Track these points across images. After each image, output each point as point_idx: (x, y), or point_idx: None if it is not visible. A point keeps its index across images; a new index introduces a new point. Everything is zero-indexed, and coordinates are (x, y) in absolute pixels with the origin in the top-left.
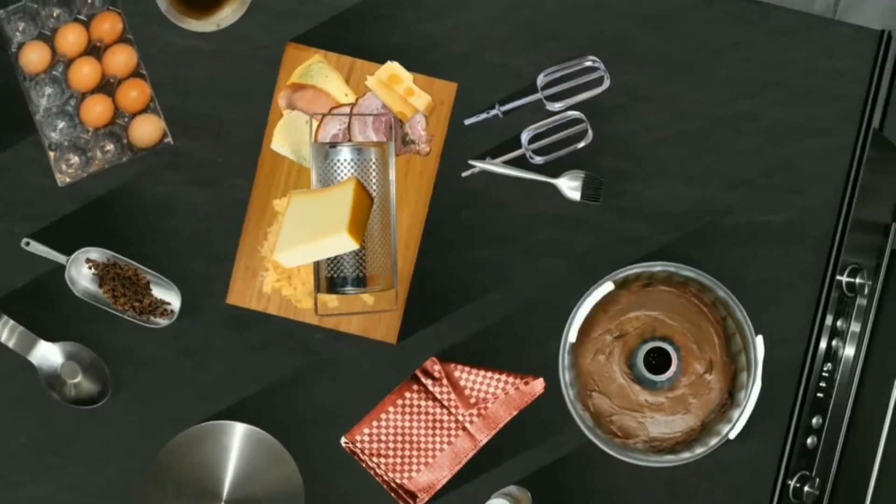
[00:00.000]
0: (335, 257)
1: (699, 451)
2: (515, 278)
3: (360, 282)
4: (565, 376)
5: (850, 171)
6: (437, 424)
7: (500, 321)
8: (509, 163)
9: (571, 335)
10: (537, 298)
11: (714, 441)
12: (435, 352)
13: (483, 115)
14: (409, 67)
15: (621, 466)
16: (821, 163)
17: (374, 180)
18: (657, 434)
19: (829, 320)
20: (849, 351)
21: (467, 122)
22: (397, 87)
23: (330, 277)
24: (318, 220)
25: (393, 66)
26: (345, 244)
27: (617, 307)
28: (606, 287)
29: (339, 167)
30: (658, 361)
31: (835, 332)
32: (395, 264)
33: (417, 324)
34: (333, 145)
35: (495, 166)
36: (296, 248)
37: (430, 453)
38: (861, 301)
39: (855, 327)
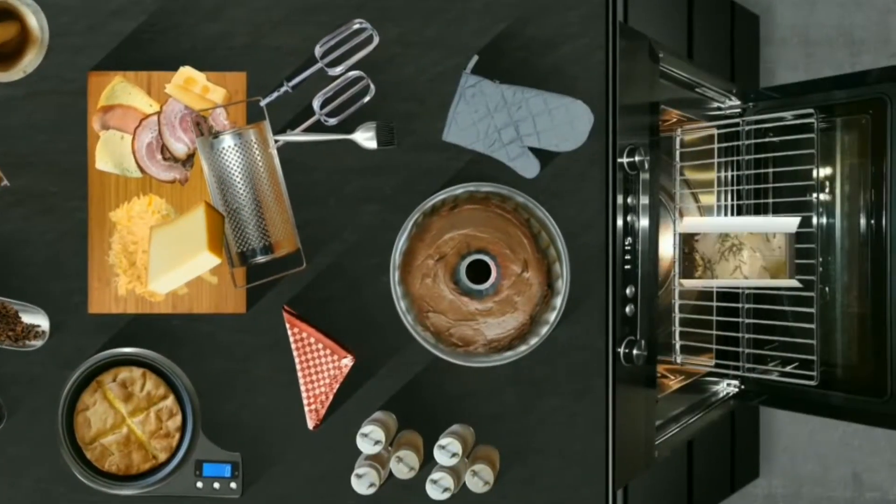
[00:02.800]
0: (241, 232)
1: (533, 341)
2: (339, 228)
3: (268, 249)
4: (401, 305)
5: (608, 64)
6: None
7: (334, 268)
8: (308, 130)
9: (397, 267)
10: (362, 242)
11: (545, 329)
12: (279, 310)
13: (275, 94)
14: (200, 68)
15: (470, 371)
16: (582, 62)
17: (258, 156)
18: (493, 336)
19: (620, 199)
20: (643, 223)
21: (263, 102)
22: (194, 87)
23: (240, 252)
24: (180, 246)
25: (186, 71)
26: (208, 262)
27: (432, 233)
28: (417, 217)
29: (226, 154)
30: (479, 272)
31: (628, 209)
32: (295, 227)
33: (260, 290)
34: (216, 135)
35: (296, 136)
36: (166, 275)
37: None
38: (644, 176)
39: (644, 200)
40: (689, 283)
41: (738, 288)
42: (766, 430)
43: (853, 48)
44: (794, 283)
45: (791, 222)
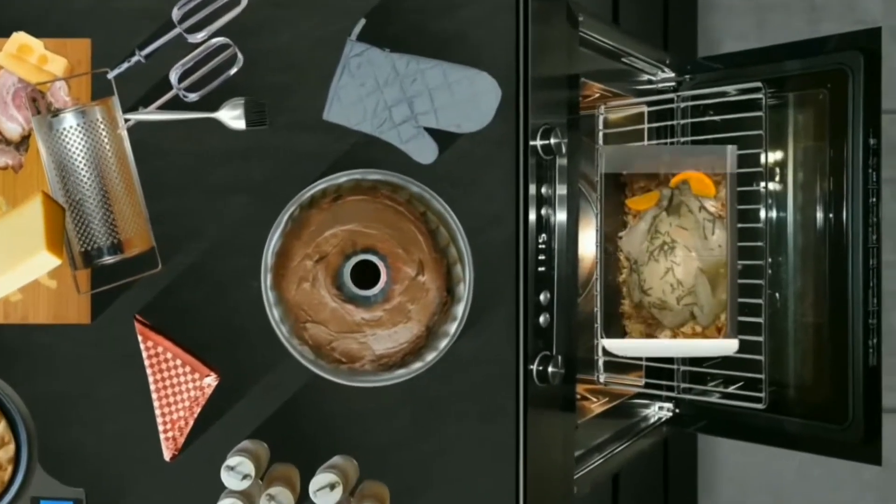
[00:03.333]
0: (85, 228)
1: (430, 357)
2: (201, 223)
3: (117, 248)
4: (273, 314)
5: (519, 29)
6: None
7: (194, 270)
8: (165, 107)
9: (269, 269)
10: (228, 239)
11: (444, 343)
12: (130, 320)
13: (126, 65)
14: (36, 34)
15: (355, 393)
16: (487, 27)
17: (105, 138)
18: (383, 350)
19: (532, 189)
20: (561, 216)
21: (110, 75)
22: (29, 57)
23: (84, 251)
24: (12, 244)
25: (20, 37)
26: (46, 263)
27: (310, 229)
28: (293, 210)
29: (67, 136)
30: (366, 275)
31: (542, 200)
32: (149, 222)
33: (107, 297)
34: (56, 114)
35: (150, 114)
36: None
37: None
38: (561, 161)
39: (561, 190)
40: (614, 347)
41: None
42: (709, 459)
43: (813, 14)
44: (733, 344)
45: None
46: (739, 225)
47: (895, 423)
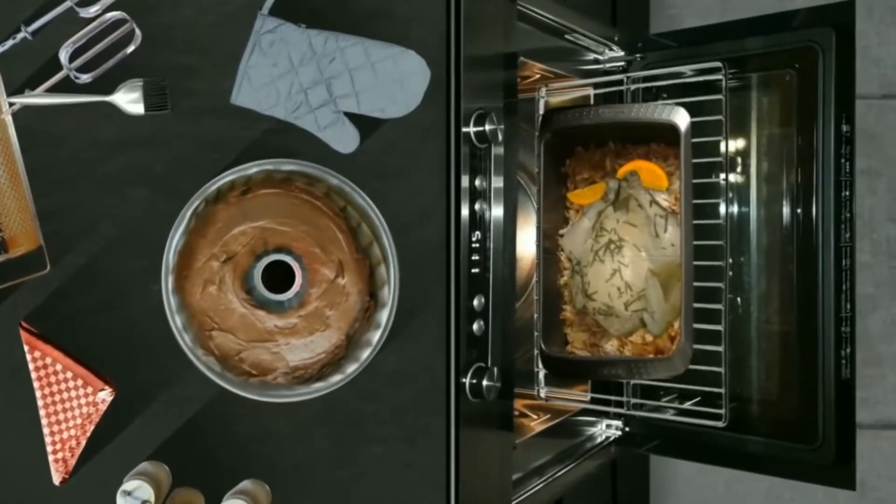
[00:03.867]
0: None
1: (351, 369)
2: (94, 220)
3: (0, 247)
4: (176, 321)
5: (450, 2)
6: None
7: (87, 272)
8: (54, 90)
9: (171, 270)
10: (125, 237)
11: (366, 353)
12: (15, 327)
13: (9, 42)
14: None
15: (267, 409)
16: (413, 0)
17: None
18: (298, 362)
19: (465, 181)
20: (496, 212)
21: None
22: None
23: None
24: None
25: None
26: None
27: (217, 226)
28: (198, 205)
29: None
30: (280, 278)
31: (476, 194)
32: (36, 218)
33: None
34: None
35: (37, 98)
36: None
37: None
38: (497, 150)
39: (497, 182)
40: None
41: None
42: (663, 482)
43: None
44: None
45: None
46: (696, 221)
47: (872, 440)
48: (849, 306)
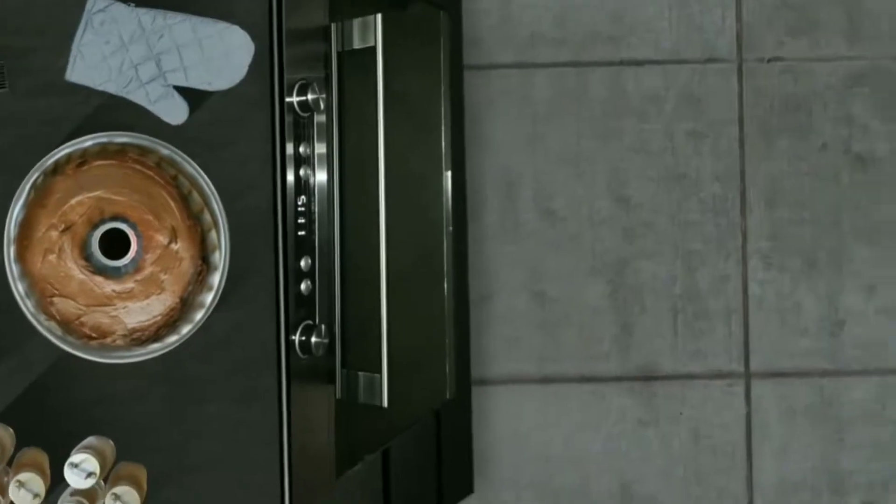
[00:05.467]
0: None
1: (186, 329)
2: None
3: None
4: (18, 288)
5: None
6: None
7: None
8: None
9: (12, 241)
10: None
11: (200, 315)
12: None
13: None
14: None
15: (107, 370)
16: None
17: None
18: (135, 324)
19: (290, 149)
20: (321, 177)
21: None
22: None
23: None
24: None
25: None
26: None
27: (55, 197)
28: (36, 178)
29: None
30: (116, 245)
31: (300, 160)
32: None
33: None
34: None
35: None
36: None
37: None
38: (319, 118)
39: (320, 149)
40: None
41: None
42: (510, 433)
43: None
44: None
45: None
46: None
47: (703, 389)
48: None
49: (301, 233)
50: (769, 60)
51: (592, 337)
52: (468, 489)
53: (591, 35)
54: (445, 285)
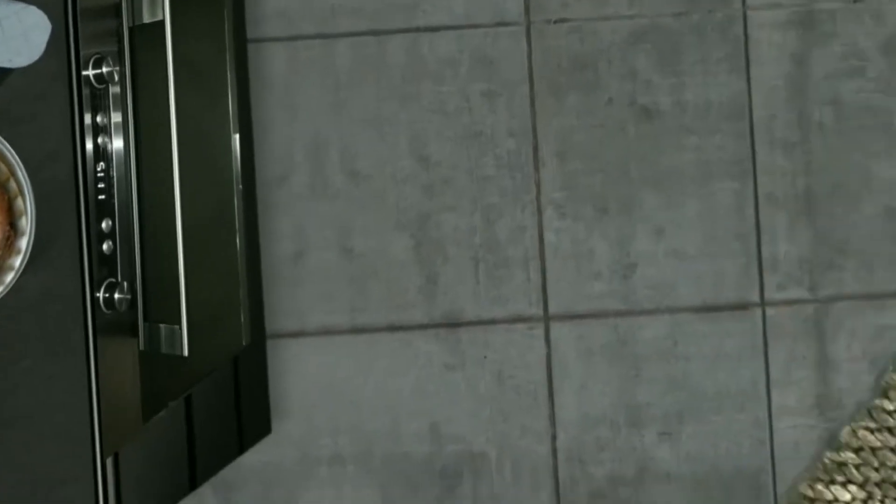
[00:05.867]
0: None
1: None
2: None
3: None
4: None
5: None
6: None
7: None
8: None
9: None
10: None
11: (10, 277)
12: None
13: None
14: None
15: None
16: None
17: None
18: None
19: (88, 119)
20: (118, 144)
21: None
22: None
23: None
24: None
25: None
26: None
27: None
28: None
29: None
30: None
31: (98, 130)
32: None
33: None
34: None
35: None
36: None
37: None
38: (114, 89)
39: (117, 118)
40: None
41: None
42: (325, 383)
43: None
44: None
45: None
46: None
47: (486, 333)
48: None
49: (101, 197)
50: (555, 22)
51: (399, 288)
52: (266, 430)
53: (388, 4)
54: (238, 241)
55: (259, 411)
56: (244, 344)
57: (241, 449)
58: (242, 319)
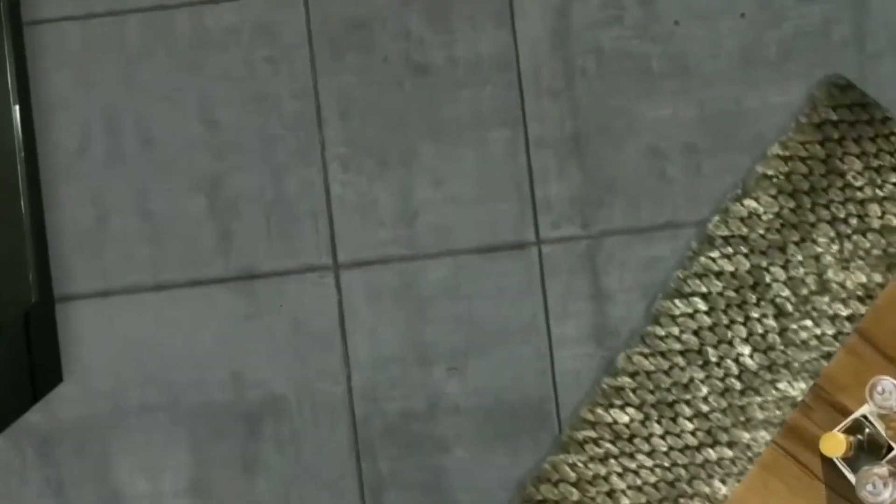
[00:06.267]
0: None
1: None
2: None
3: None
4: None
5: None
6: None
7: None
8: None
9: None
10: None
11: None
12: None
13: None
14: None
15: None
16: None
17: None
18: None
19: None
20: None
21: None
22: None
23: None
24: None
25: None
26: None
27: None
28: None
29: None
30: None
31: None
32: None
33: None
34: None
35: None
36: None
37: None
38: None
39: None
40: None
41: None
42: (132, 339)
43: None
44: None
45: None
46: None
47: (298, 283)
48: None
49: None
50: None
51: (197, 246)
52: (58, 379)
53: None
54: (22, 204)
55: (51, 363)
56: (33, 301)
57: (36, 397)
58: (31, 278)
